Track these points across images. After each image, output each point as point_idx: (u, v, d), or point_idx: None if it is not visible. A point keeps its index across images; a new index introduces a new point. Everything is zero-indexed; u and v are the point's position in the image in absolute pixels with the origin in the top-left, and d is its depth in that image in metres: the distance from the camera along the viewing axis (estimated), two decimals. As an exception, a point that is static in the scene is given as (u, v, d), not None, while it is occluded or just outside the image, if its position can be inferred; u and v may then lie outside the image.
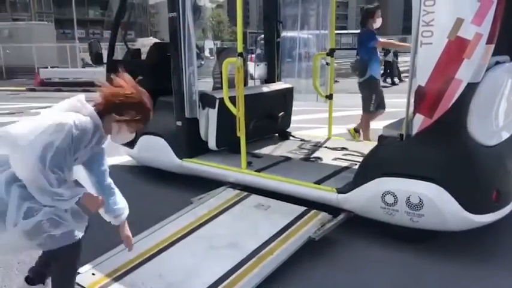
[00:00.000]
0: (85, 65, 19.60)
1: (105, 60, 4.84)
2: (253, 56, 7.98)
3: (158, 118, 4.38)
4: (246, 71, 5.04)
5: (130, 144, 4.79)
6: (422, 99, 2.70)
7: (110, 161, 5.84)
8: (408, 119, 2.86)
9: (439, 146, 2.76)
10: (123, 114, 2.04)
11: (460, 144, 2.74)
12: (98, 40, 5.00)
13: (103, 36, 31.17)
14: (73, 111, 1.97)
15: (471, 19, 2.46)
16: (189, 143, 4.25)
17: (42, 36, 21.96)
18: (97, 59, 4.81)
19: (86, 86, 15.84)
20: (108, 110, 2.03)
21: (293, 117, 5.38)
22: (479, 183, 2.77)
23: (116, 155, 5.41)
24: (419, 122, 2.75)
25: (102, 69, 4.94)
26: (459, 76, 2.55)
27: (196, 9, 5.03)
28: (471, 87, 2.59)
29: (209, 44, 5.98)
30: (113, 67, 4.88)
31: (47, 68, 17.91)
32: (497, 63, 2.85)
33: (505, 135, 3.06)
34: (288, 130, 5.32)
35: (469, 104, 2.65)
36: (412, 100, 2.79)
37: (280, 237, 2.91)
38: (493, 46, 2.54)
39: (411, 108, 2.81)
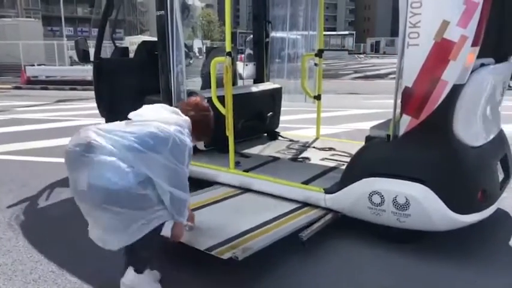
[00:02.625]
0: (73, 63, 19.40)
1: (92, 58, 4.79)
2: (243, 55, 7.97)
3: (146, 117, 4.41)
4: (234, 71, 5.03)
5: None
6: (409, 100, 2.72)
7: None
8: (395, 119, 2.87)
9: (425, 146, 2.78)
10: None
11: (446, 145, 2.77)
12: (85, 38, 4.95)
13: (92, 34, 30.87)
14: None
15: (457, 21, 2.48)
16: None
17: (29, 33, 21.66)
18: (84, 57, 4.75)
19: (73, 84, 15.73)
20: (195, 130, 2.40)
21: (282, 117, 5.39)
22: (465, 183, 2.80)
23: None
24: (406, 122, 2.77)
25: (90, 68, 4.90)
26: (445, 77, 2.57)
27: (185, 8, 5.00)
28: (457, 89, 2.61)
29: (198, 43, 5.92)
30: (100, 65, 4.85)
31: (33, 65, 17.66)
32: (482, 65, 2.88)
33: (490, 136, 3.10)
34: (277, 130, 5.33)
35: (454, 105, 2.67)
36: (399, 101, 2.81)
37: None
38: (478, 48, 2.56)
39: (398, 109, 2.83)
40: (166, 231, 2.37)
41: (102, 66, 4.84)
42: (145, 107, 2.39)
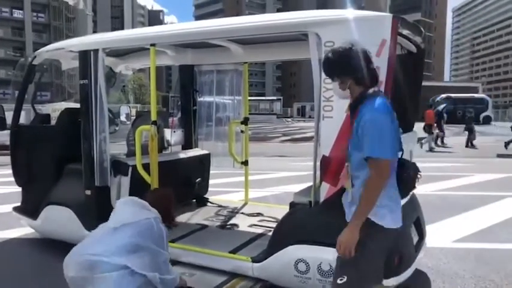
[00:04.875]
0: (-11, 126, 18.14)
1: (9, 124, 4.55)
2: (175, 119, 7.99)
3: (65, 187, 4.18)
4: (162, 138, 5.01)
5: (33, 214, 4.42)
6: (327, 168, 2.85)
7: (10, 233, 5.29)
8: (316, 186, 2.98)
9: (344, 213, 2.88)
10: None
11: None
12: (1, 105, 4.72)
13: (14, 96, 29.51)
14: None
15: (364, 97, 2.71)
16: (99, 213, 3.99)
17: None
18: (-1, 124, 4.51)
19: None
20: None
21: (211, 181, 5.39)
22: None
23: (17, 226, 4.94)
24: (325, 189, 2.88)
25: (7, 132, 4.66)
26: (357, 148, 2.74)
27: (111, 76, 5.01)
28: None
29: (125, 109, 5.84)
30: (18, 132, 4.61)
31: None
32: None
33: (403, 200, 3.30)
34: (206, 196, 5.29)
35: (368, 173, 2.84)
36: (318, 164, 2.93)
37: None
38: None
39: (318, 176, 2.94)
40: None
41: (21, 133, 4.61)
42: (118, 207, 2.88)
